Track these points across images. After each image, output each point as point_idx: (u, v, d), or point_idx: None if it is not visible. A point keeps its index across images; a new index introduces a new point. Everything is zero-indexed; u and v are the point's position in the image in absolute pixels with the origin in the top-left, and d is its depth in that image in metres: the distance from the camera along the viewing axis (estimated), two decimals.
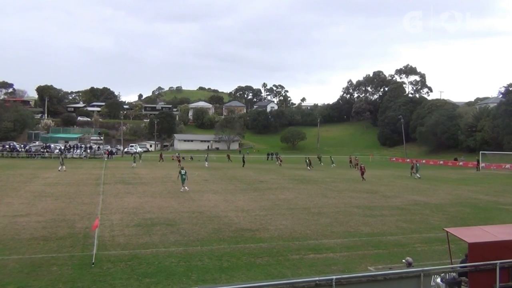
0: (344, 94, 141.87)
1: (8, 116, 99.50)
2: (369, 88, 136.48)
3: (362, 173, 39.24)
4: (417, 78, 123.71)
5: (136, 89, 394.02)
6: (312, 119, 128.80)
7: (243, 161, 57.57)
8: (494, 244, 9.90)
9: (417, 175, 42.70)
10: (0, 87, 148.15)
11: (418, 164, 46.73)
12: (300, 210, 22.51)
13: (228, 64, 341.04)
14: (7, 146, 76.91)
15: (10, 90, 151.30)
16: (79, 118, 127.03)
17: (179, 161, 55.09)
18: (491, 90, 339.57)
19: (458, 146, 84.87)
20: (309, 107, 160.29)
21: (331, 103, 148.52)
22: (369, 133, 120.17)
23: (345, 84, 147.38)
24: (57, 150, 75.45)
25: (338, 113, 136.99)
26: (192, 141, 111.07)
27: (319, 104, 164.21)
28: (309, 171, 49.71)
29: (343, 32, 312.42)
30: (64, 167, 44.97)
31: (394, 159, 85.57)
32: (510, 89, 79.84)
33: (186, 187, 29.27)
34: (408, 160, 73.51)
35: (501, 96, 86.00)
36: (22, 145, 79.67)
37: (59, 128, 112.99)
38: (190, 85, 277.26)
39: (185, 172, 29.90)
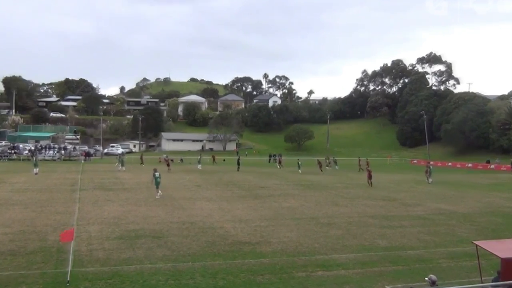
0: (358, 87, 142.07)
1: None
2: (386, 80, 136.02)
3: (369, 177, 39.54)
4: (442, 68, 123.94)
5: (118, 81, 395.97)
6: (320, 116, 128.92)
7: (238, 164, 57.32)
8: None
9: (430, 179, 42.89)
10: None
11: (431, 167, 46.72)
12: (307, 220, 22.55)
13: (224, 52, 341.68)
14: None
15: None
16: (52, 114, 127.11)
17: (167, 164, 54.87)
18: None
19: (490, 146, 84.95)
20: (317, 102, 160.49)
21: (342, 96, 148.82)
22: (387, 131, 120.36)
23: (359, 75, 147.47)
24: (27, 151, 75.49)
25: (350, 108, 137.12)
26: (182, 140, 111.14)
27: (329, 98, 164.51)
28: (321, 174, 49.76)
29: (357, 15, 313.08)
30: (37, 169, 45.29)
31: (415, 161, 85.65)
32: None
33: (160, 192, 29.72)
34: (431, 162, 73.49)
35: None
36: None
37: (29, 126, 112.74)
38: (180, 76, 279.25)
39: (159, 175, 30.68)
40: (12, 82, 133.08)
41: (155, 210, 24.55)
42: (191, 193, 32.60)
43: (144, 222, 21.17)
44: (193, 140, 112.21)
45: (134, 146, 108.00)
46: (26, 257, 15.06)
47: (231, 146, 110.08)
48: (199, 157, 64.38)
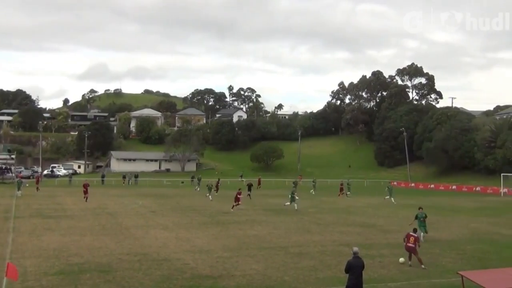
0: (333, 100, 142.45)
1: None
2: (363, 94, 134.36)
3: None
4: (423, 80, 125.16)
5: (60, 92, 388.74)
6: (290, 132, 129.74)
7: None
8: None
9: (392, 199, 47.66)
10: None
11: (391, 187, 52.18)
12: (276, 250, 22.54)
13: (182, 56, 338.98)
14: None
15: None
16: None
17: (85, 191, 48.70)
18: None
19: (475, 166, 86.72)
20: (287, 117, 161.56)
21: (315, 111, 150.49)
22: (363, 149, 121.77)
23: (335, 87, 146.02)
24: None
25: (324, 124, 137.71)
26: (134, 160, 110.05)
27: (300, 113, 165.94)
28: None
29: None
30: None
31: (395, 183, 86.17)
32: None
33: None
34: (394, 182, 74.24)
35: None
36: None
37: None
38: (133, 88, 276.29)
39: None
40: None
41: (103, 240, 24.10)
42: (144, 220, 32.21)
43: (89, 255, 20.72)
44: (147, 160, 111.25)
45: (79, 167, 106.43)
46: None
47: (191, 167, 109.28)
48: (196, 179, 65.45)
